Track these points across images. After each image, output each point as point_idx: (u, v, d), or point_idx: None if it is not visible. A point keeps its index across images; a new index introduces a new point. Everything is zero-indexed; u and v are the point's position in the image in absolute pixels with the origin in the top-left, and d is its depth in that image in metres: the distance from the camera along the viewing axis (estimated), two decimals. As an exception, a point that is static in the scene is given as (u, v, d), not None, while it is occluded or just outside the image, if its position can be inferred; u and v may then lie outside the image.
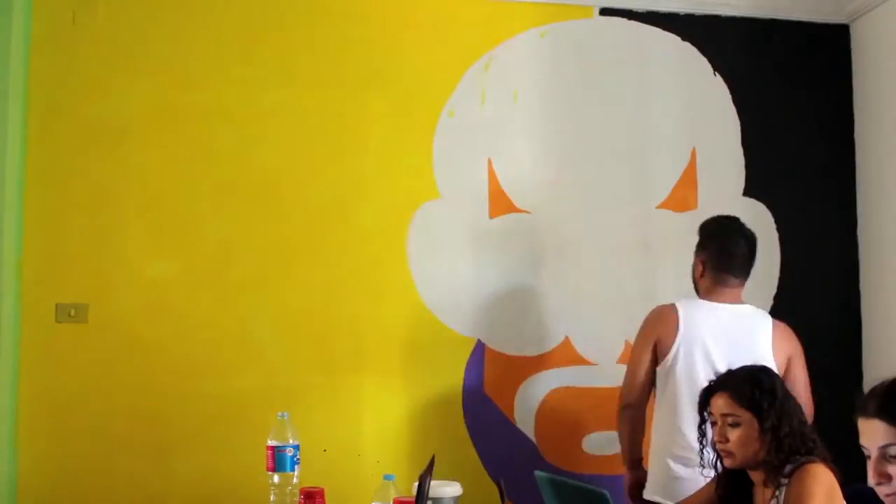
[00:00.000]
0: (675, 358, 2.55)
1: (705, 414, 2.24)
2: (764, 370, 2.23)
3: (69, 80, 3.01)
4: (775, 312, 3.31)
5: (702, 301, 2.64)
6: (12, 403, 2.85)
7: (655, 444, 2.65)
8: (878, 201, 3.35)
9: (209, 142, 3.08)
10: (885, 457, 1.50)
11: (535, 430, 3.15)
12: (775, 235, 3.39)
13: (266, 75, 3.13)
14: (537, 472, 2.21)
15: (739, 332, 2.58)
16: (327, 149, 3.15)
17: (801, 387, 2.56)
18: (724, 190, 3.38)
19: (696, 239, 2.73)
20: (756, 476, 2.18)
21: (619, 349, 3.20)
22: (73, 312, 2.93)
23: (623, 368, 2.73)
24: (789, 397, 2.18)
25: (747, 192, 3.39)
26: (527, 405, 3.17)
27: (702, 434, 2.26)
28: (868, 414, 1.56)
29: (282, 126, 3.12)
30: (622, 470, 2.81)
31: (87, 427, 2.90)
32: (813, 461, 2.07)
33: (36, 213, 2.95)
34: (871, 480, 1.54)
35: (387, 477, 2.40)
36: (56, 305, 2.92)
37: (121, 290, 2.97)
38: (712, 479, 2.28)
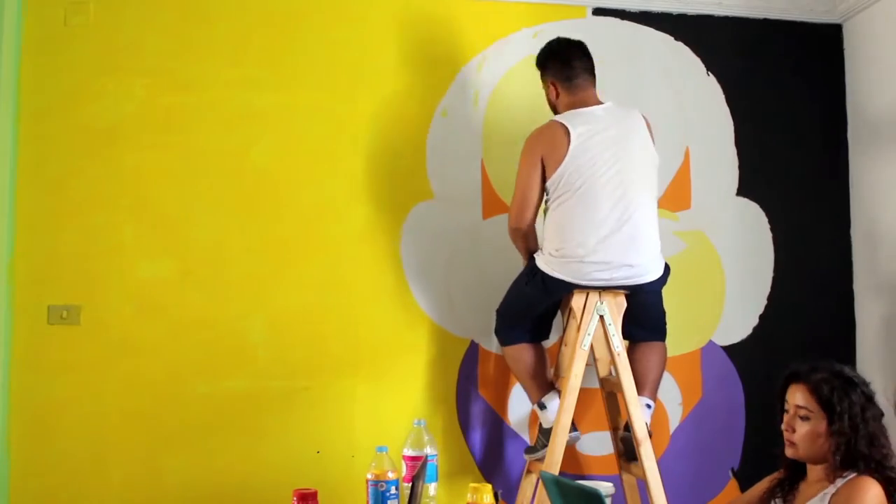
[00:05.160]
0: (568, 166, 2.69)
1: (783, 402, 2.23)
2: (849, 378, 2.17)
3: (61, 81, 3.00)
4: (769, 312, 3.35)
5: (573, 111, 2.80)
6: (4, 405, 2.84)
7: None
8: (872, 201, 3.35)
9: (201, 143, 3.07)
10: None
11: (530, 431, 3.15)
12: (768, 235, 3.39)
13: (258, 76, 3.12)
14: (542, 472, 2.21)
15: (617, 123, 2.77)
16: (320, 149, 3.14)
17: None
18: (717, 189, 3.38)
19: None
20: (813, 473, 2.18)
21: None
22: (65, 314, 2.92)
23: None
24: (871, 409, 2.13)
25: (740, 191, 3.39)
26: (521, 406, 3.16)
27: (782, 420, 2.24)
28: None
29: (274, 127, 3.12)
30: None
31: (79, 429, 2.90)
32: (868, 475, 2.05)
33: (28, 214, 2.95)
34: None
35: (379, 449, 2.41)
36: (48, 307, 2.92)
37: (113, 292, 2.97)
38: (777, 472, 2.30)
